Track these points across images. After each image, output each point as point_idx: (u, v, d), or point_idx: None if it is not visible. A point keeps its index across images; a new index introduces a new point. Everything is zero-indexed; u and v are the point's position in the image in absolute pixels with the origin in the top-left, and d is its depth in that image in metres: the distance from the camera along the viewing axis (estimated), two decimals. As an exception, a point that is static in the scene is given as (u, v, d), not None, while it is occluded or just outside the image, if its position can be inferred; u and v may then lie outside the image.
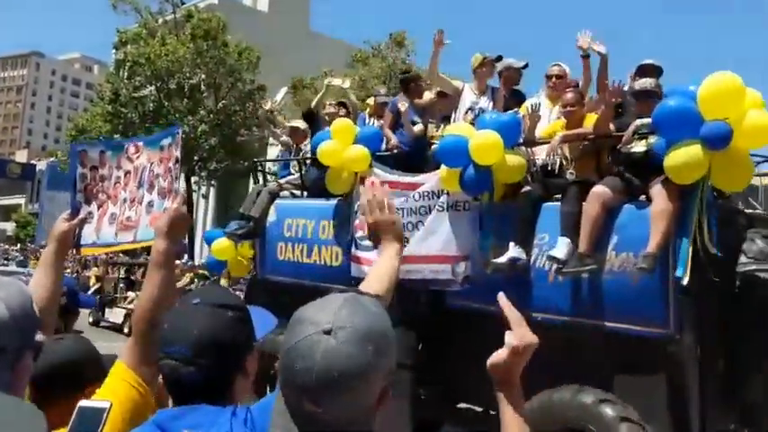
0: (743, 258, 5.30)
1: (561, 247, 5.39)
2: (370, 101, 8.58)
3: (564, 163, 6.15)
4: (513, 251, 5.72)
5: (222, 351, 1.71)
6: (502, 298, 1.78)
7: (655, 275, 5.02)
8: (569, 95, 5.95)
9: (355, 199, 7.21)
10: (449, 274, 6.25)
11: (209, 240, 9.62)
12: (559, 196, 5.81)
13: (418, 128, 7.21)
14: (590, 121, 5.87)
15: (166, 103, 33.26)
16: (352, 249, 7.15)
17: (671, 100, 4.80)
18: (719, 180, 4.74)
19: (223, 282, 13.79)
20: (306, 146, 8.85)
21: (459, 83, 6.87)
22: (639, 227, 5.22)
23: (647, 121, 5.22)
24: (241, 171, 35.96)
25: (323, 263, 7.77)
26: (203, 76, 34.22)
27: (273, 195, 8.58)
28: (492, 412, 6.48)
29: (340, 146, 7.22)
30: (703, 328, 4.96)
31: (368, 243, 6.73)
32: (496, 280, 5.95)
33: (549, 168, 6.13)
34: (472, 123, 6.46)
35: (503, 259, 5.73)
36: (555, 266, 5.44)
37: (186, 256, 33.09)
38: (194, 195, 36.04)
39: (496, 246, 6.02)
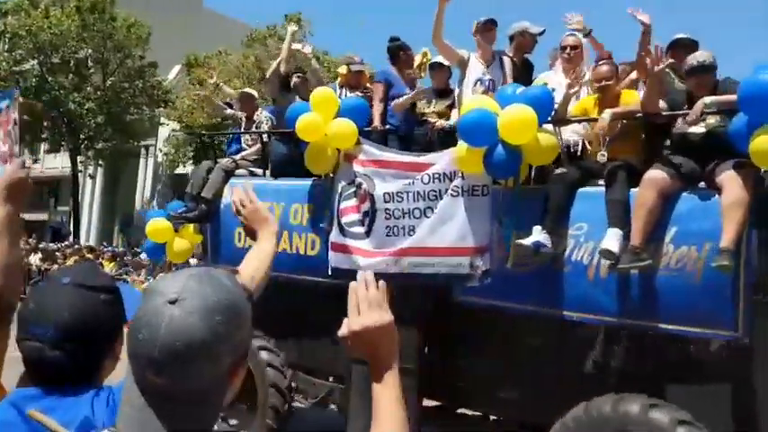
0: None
1: (612, 240, 4.76)
2: (342, 69, 7.65)
3: (587, 145, 5.55)
4: (538, 235, 5.04)
5: (92, 335, 1.69)
6: (366, 276, 1.63)
7: (720, 272, 4.47)
8: (604, 68, 5.33)
9: (339, 179, 6.33)
10: (467, 267, 5.50)
11: (147, 221, 8.41)
12: (596, 181, 5.20)
13: (440, 104, 6.38)
14: (628, 97, 5.28)
15: (50, 79, 31.06)
16: (336, 236, 6.26)
17: (763, 74, 4.24)
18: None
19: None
20: (260, 116, 7.84)
21: (465, 52, 6.09)
22: (702, 218, 4.68)
23: (721, 98, 4.67)
24: (131, 151, 33.95)
25: (295, 251, 6.83)
26: (90, 51, 32.53)
27: (228, 173, 7.53)
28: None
29: (322, 119, 6.30)
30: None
31: (359, 230, 5.92)
32: (522, 275, 5.32)
33: (573, 150, 5.51)
34: (485, 98, 5.74)
35: (526, 241, 5.03)
36: (607, 262, 4.80)
37: (72, 238, 30.84)
38: (80, 176, 33.69)
39: (514, 235, 5.33)
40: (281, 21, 31.73)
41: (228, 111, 8.19)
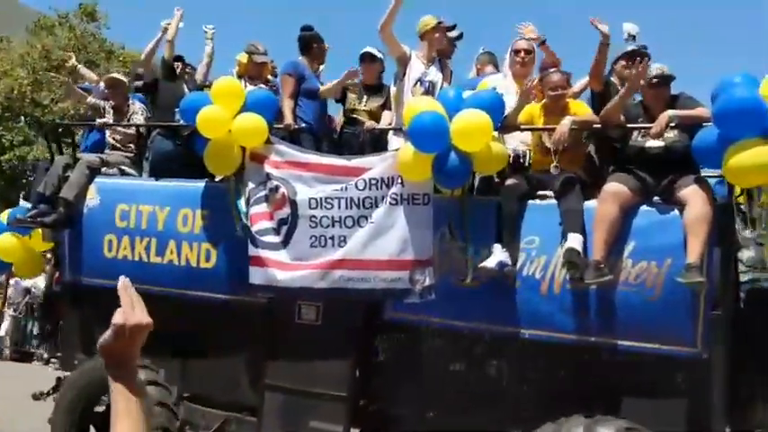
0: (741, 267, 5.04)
1: (576, 242, 4.58)
2: (242, 58, 6.83)
3: (528, 154, 5.37)
4: (500, 254, 4.77)
5: None
6: (122, 281, 1.62)
7: (682, 288, 4.45)
8: (556, 77, 5.14)
9: (246, 182, 5.62)
10: (406, 282, 5.06)
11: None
12: (545, 194, 5.01)
13: (370, 124, 5.83)
14: (578, 108, 5.14)
15: None
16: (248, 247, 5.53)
17: (739, 90, 4.25)
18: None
19: None
20: (133, 106, 6.84)
21: (407, 48, 5.65)
22: (662, 233, 4.63)
23: (684, 113, 4.65)
24: None
25: (185, 263, 5.98)
26: None
27: (93, 171, 6.47)
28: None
29: (227, 113, 5.55)
30: (733, 346, 4.51)
31: (273, 239, 5.28)
32: (467, 291, 5.01)
33: (521, 160, 5.29)
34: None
35: (490, 263, 4.73)
36: (572, 275, 4.60)
37: None
38: None
39: (469, 249, 5.01)
40: (74, 8, 29.02)
41: (91, 99, 7.05)
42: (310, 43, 6.24)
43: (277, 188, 5.44)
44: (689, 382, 4.63)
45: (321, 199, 5.24)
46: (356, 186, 5.18)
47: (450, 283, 5.04)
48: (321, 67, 6.35)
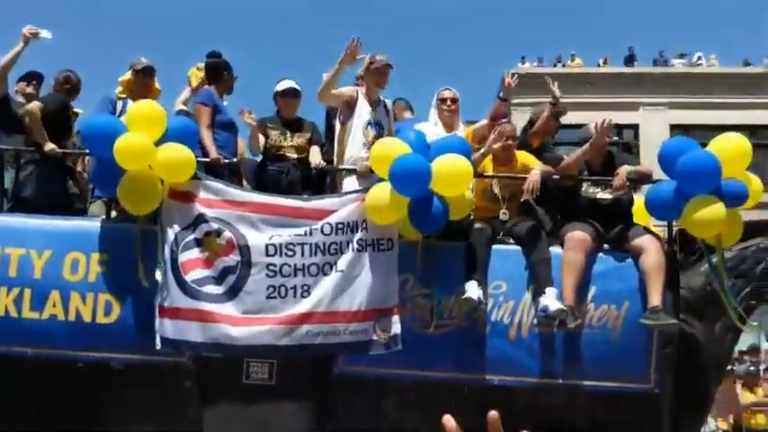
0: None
1: (556, 300, 4.73)
2: (124, 77, 5.78)
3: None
4: (477, 290, 4.75)
5: None
6: None
7: (638, 329, 4.86)
8: (509, 127, 5.28)
9: (170, 223, 4.87)
10: (370, 333, 4.76)
11: None
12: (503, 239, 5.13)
13: (298, 138, 5.33)
14: (526, 159, 5.33)
15: None
16: (173, 299, 4.75)
17: (696, 152, 4.79)
18: (729, 237, 4.89)
19: None
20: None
21: (353, 90, 5.33)
22: (619, 278, 5.01)
23: (638, 169, 5.10)
24: None
25: (74, 318, 4.94)
26: None
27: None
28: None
29: (148, 142, 4.78)
30: (679, 381, 5.00)
31: (214, 290, 4.72)
32: (432, 339, 4.91)
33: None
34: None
35: (473, 295, 4.69)
36: (554, 321, 4.73)
37: None
38: None
39: (434, 295, 4.90)
40: None
41: None
42: (220, 71, 5.62)
43: (219, 232, 4.78)
44: (643, 415, 4.99)
45: (281, 245, 4.73)
46: (322, 231, 4.77)
47: (414, 332, 4.88)
48: (227, 97, 5.72)
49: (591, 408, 4.95)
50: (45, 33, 5.46)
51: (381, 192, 4.73)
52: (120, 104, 5.61)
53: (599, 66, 23.47)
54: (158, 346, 4.75)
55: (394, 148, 4.78)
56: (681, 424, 5.09)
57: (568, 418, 4.99)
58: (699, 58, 23.37)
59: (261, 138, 5.39)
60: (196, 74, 5.85)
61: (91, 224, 5.15)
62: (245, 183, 5.53)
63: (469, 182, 4.83)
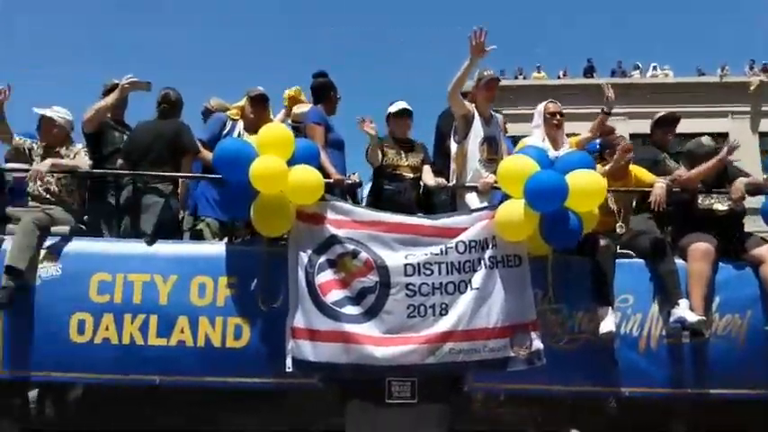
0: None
1: (689, 311, 4.82)
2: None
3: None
4: (611, 322, 4.83)
5: None
6: None
7: (760, 336, 4.98)
8: (628, 144, 5.37)
9: (302, 246, 4.85)
10: (508, 350, 4.78)
11: None
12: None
13: (413, 158, 5.37)
14: (641, 173, 5.41)
15: None
16: (312, 320, 4.72)
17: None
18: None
19: None
20: (74, 149, 5.44)
21: (471, 106, 5.35)
22: (741, 287, 5.12)
23: (754, 181, 5.22)
24: None
25: (203, 344, 4.89)
26: None
27: (43, 230, 5.00)
28: None
29: (283, 165, 4.76)
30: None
31: (353, 311, 4.70)
32: (562, 353, 4.96)
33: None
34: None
35: (609, 326, 4.78)
36: (688, 333, 4.81)
37: None
38: None
39: (563, 310, 4.97)
40: None
41: (18, 138, 5.40)
42: (327, 91, 5.62)
43: (355, 253, 4.78)
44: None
45: (419, 264, 4.74)
46: (456, 249, 4.80)
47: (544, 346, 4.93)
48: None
49: (714, 415, 5.05)
50: (143, 85, 5.47)
51: (513, 208, 4.77)
52: (229, 124, 5.60)
53: (558, 78, 24.18)
54: (289, 368, 4.72)
55: (523, 165, 4.82)
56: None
57: (694, 426, 5.08)
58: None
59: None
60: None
61: (215, 248, 5.11)
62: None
63: (603, 197, 4.88)
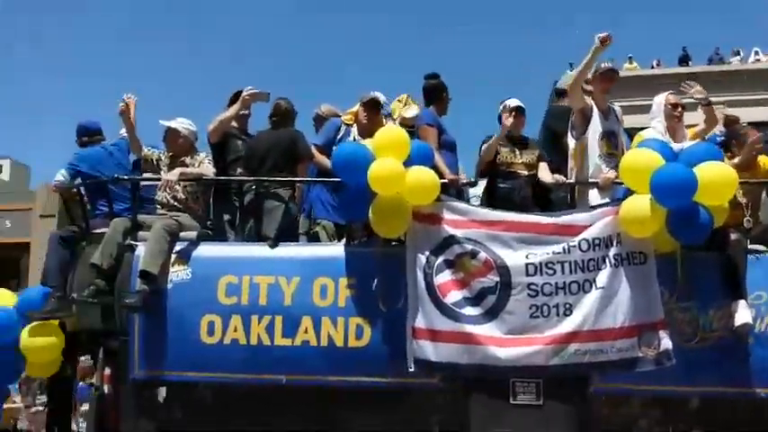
0: None
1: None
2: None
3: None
4: (747, 314, 4.62)
5: None
6: None
7: None
8: (756, 136, 5.15)
9: (420, 246, 4.86)
10: (636, 350, 4.64)
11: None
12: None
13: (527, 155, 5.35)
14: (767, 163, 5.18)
15: None
16: (431, 320, 4.72)
17: None
18: None
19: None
20: (198, 158, 5.64)
21: (589, 101, 5.27)
22: None
23: None
24: None
25: (327, 344, 4.97)
26: None
27: (173, 236, 5.20)
28: None
29: (401, 167, 4.78)
30: None
31: (473, 311, 4.64)
32: (692, 352, 4.77)
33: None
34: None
35: (745, 318, 4.58)
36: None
37: None
38: None
39: (694, 307, 4.79)
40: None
41: (147, 150, 5.67)
42: (439, 92, 5.65)
43: (474, 253, 4.75)
44: None
45: (540, 264, 4.68)
46: (579, 248, 4.71)
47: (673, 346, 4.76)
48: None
49: None
50: (263, 96, 5.64)
51: (639, 204, 4.64)
52: (343, 129, 5.71)
53: (652, 68, 23.22)
54: (411, 368, 4.74)
55: (647, 159, 4.68)
56: None
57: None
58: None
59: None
60: (399, 106, 5.91)
61: (335, 249, 5.19)
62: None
63: (734, 189, 4.68)
